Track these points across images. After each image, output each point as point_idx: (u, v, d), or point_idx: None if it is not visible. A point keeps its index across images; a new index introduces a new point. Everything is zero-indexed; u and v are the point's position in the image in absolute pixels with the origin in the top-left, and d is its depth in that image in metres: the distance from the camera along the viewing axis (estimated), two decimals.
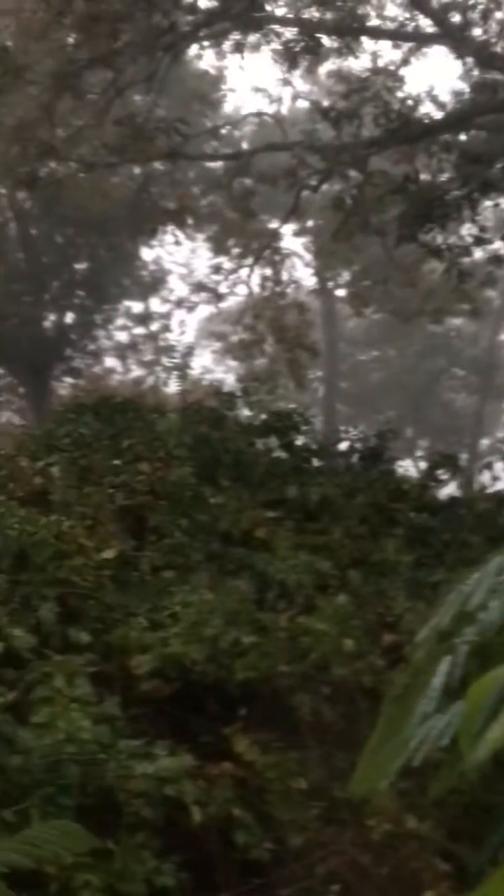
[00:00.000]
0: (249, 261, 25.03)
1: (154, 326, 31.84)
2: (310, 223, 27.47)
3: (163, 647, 7.30)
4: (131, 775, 6.10)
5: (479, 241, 14.48)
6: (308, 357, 22.39)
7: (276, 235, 23.63)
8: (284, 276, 24.37)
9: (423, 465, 15.69)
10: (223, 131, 24.16)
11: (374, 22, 17.40)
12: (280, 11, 16.57)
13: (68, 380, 29.78)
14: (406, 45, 18.26)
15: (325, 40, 15.92)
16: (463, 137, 15.38)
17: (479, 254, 15.43)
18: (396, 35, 17.77)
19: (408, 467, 25.24)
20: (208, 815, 6.30)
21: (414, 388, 38.79)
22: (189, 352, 31.60)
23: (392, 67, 18.03)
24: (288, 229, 25.62)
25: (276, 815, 6.54)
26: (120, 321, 32.28)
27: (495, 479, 13.58)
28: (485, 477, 13.35)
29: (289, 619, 7.92)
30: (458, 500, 12.47)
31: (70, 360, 29.74)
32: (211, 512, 10.20)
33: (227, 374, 32.29)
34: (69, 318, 29.94)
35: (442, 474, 12.86)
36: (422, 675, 2.33)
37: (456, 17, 15.27)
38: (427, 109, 15.82)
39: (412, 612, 8.54)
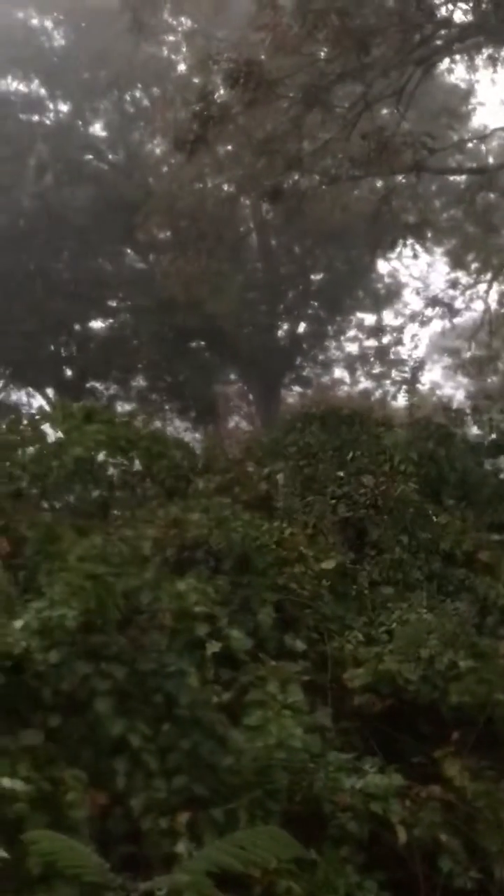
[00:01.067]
0: (488, 276, 24.61)
1: (385, 339, 31.77)
2: None
3: (377, 663, 7.27)
4: (339, 788, 6.11)
5: None
6: None
7: None
8: None
9: None
10: (469, 145, 23.85)
11: None
12: None
13: (297, 389, 30.16)
14: None
15: None
16: None
17: None
18: None
19: None
20: (414, 836, 6.23)
21: None
22: (419, 366, 31.36)
23: None
24: None
25: (483, 845, 6.38)
26: (352, 333, 32.42)
27: None
28: None
29: None
30: None
31: (300, 370, 30.12)
32: (433, 530, 10.07)
33: (456, 391, 31.82)
34: (302, 328, 30.34)
35: None
36: None
37: None
38: None
39: None
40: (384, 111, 17.85)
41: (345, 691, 7.32)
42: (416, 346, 32.03)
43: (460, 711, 7.22)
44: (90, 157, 29.15)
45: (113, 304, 29.50)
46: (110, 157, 29.74)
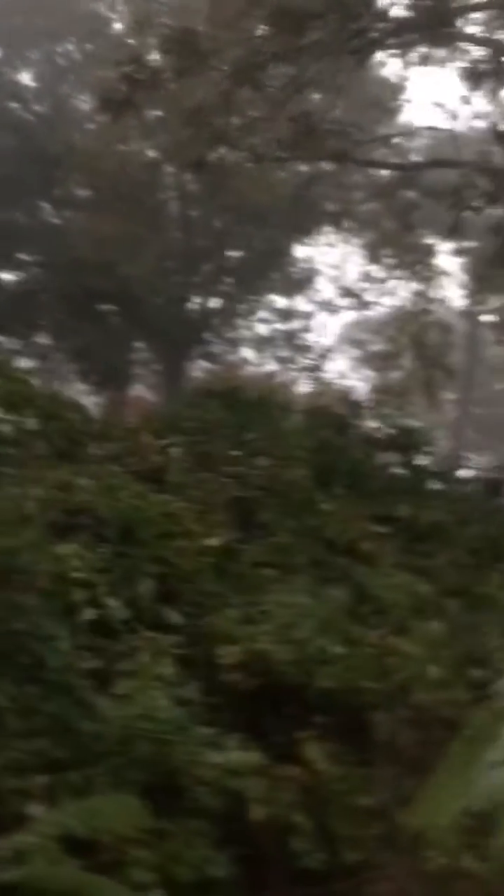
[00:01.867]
0: (401, 273, 24.89)
1: (295, 324, 31.88)
2: (469, 244, 27.13)
3: (251, 643, 7.35)
4: (199, 762, 6.17)
5: None
6: (444, 377, 22.14)
7: (431, 252, 23.42)
8: (434, 293, 24.16)
9: None
10: (395, 140, 24.02)
11: None
12: (472, 30, 16.38)
13: (203, 364, 30.10)
14: None
15: None
16: None
17: None
18: None
19: None
20: (269, 815, 6.33)
21: None
22: (326, 354, 31.56)
23: None
24: (445, 247, 25.37)
25: (335, 829, 6.52)
26: (262, 314, 32.44)
27: None
28: None
29: (379, 637, 7.88)
30: None
31: (208, 345, 30.05)
32: (320, 517, 10.20)
33: (361, 383, 32.15)
34: (214, 303, 30.24)
35: None
36: (498, 722, 2.30)
37: None
38: None
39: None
40: (315, 96, 17.86)
41: (217, 668, 7.38)
42: (323, 335, 32.24)
43: (327, 696, 7.34)
44: (16, 105, 28.53)
45: (24, 257, 28.97)
46: (36, 108, 29.15)
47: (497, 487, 13.70)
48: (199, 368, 29.62)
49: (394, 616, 8.73)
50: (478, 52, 15.89)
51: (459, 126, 20.32)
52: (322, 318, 31.80)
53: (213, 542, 8.62)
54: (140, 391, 30.75)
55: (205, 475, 10.02)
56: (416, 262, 23.18)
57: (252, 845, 6.46)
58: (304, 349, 31.39)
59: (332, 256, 31.65)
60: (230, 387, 14.12)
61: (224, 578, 8.55)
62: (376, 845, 6.60)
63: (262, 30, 14.45)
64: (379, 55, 18.20)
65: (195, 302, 29.60)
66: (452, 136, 18.51)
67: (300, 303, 32.38)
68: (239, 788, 6.26)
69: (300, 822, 6.34)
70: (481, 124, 19.94)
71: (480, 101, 18.64)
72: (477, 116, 21.39)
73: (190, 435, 11.11)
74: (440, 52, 16.75)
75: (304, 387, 25.72)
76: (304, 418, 13.00)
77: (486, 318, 30.85)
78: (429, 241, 23.18)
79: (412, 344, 22.14)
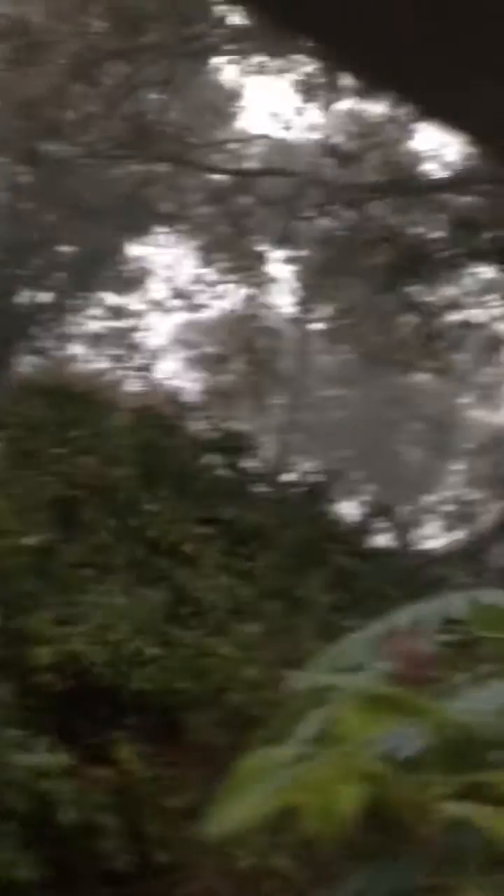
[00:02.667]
0: (233, 277, 25.14)
1: (126, 323, 31.70)
2: (300, 253, 27.61)
3: (65, 644, 7.28)
4: (8, 764, 6.07)
5: (454, 305, 14.66)
6: (272, 382, 22.48)
7: (263, 258, 23.75)
8: (265, 299, 24.52)
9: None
10: (231, 146, 24.23)
11: None
12: (306, 42, 16.67)
13: (31, 359, 29.57)
14: None
15: (346, 79, 16.06)
16: (462, 200, 15.60)
17: (454, 316, 15.62)
18: None
19: (349, 510, 25.33)
20: (78, 816, 6.29)
21: (371, 434, 39.02)
22: (156, 355, 31.50)
23: (405, 118, 18.22)
24: (277, 255, 25.75)
25: (146, 830, 6.54)
26: (93, 311, 32.13)
27: (428, 537, 13.71)
28: (418, 533, 13.49)
29: (196, 638, 7.93)
30: (387, 550, 12.57)
31: (36, 340, 29.54)
32: (143, 518, 10.18)
33: (191, 384, 32.22)
34: (43, 298, 29.77)
35: (377, 523, 12.96)
36: (291, 722, 2.36)
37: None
38: (433, 166, 16.03)
39: (318, 653, 8.57)
40: (152, 97, 17.86)
41: (30, 670, 7.27)
42: (153, 335, 32.16)
43: (141, 698, 7.35)
44: None
45: None
46: None
47: (320, 492, 13.99)
48: (25, 364, 29.08)
49: (213, 618, 8.80)
50: (311, 65, 16.21)
51: (293, 136, 20.69)
52: (154, 317, 31.74)
53: (31, 541, 8.48)
54: None
55: (26, 473, 9.86)
56: (248, 268, 23.47)
57: (64, 847, 6.40)
58: (135, 348, 31.25)
59: (165, 257, 31.67)
60: (56, 383, 13.94)
61: (42, 578, 8.43)
62: (187, 846, 6.64)
63: (99, 26, 14.35)
64: (216, 61, 18.34)
65: (23, 296, 29.06)
66: (286, 146, 18.84)
67: (132, 302, 32.24)
68: (48, 790, 6.19)
69: (110, 824, 6.32)
70: (314, 136, 20.35)
71: (314, 114, 19.04)
72: (310, 128, 21.83)
73: (12, 431, 10.90)
74: (276, 63, 17.00)
75: (133, 386, 25.58)
76: (131, 418, 12.94)
77: (315, 326, 31.47)
78: (261, 247, 23.50)
79: (242, 348, 22.39)
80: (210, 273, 27.36)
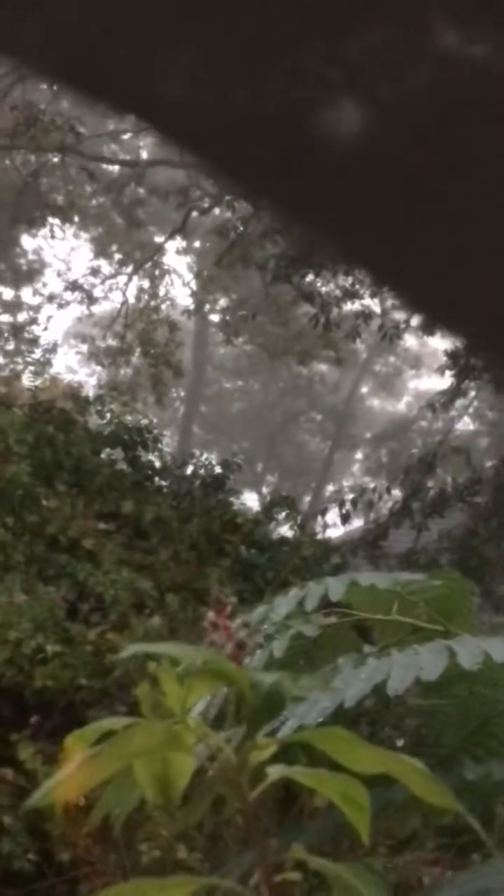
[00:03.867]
0: (129, 269, 25.00)
1: (21, 316, 31.29)
2: (195, 244, 27.59)
3: None
4: None
5: (351, 294, 14.80)
6: (172, 375, 22.43)
7: (159, 250, 23.68)
8: (161, 291, 24.44)
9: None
10: (124, 137, 24.06)
11: None
12: None
13: None
14: None
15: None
16: None
17: (350, 305, 15.76)
18: None
19: (252, 501, 25.48)
20: None
21: (271, 425, 39.28)
22: (52, 349, 31.12)
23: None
24: (173, 246, 25.70)
25: (46, 828, 6.47)
26: None
27: (329, 525, 13.84)
28: (319, 522, 13.60)
29: (98, 634, 7.87)
30: (288, 540, 12.63)
31: None
32: (41, 514, 10.05)
33: (90, 379, 31.95)
34: None
35: (278, 513, 13.02)
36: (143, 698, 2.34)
37: None
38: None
39: None
40: (43, 87, 17.62)
41: None
42: (47, 328, 31.80)
43: (44, 696, 7.27)
44: None
45: None
46: None
47: (220, 484, 13.98)
48: None
49: (114, 613, 8.74)
50: None
51: None
52: (49, 311, 31.39)
53: None
54: None
55: None
56: (144, 260, 23.36)
57: None
58: (31, 342, 30.85)
59: (60, 249, 31.35)
60: None
61: None
62: (90, 842, 6.60)
63: None
64: None
65: None
66: None
67: (27, 295, 31.84)
68: None
69: (9, 824, 6.24)
70: None
71: None
72: None
73: None
74: None
75: (29, 380, 25.26)
76: (25, 413, 12.75)
77: (213, 317, 31.49)
78: (157, 238, 23.43)
79: (140, 341, 22.28)
80: (105, 265, 27.20)
